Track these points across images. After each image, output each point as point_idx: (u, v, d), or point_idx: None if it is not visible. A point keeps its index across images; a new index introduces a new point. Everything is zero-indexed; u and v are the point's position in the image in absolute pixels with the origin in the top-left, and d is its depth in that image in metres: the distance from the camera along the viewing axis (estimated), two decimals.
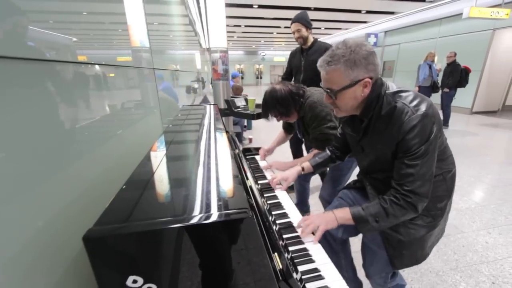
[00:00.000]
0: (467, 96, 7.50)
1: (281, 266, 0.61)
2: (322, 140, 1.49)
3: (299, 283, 0.72)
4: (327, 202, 1.65)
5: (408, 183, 0.88)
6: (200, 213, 0.43)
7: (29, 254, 0.39)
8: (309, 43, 2.24)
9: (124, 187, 0.53)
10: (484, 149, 4.29)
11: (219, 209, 0.44)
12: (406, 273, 1.66)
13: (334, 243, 1.26)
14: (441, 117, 5.73)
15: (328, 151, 1.37)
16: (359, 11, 9.30)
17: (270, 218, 1.04)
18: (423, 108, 0.85)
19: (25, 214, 0.39)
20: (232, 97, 3.06)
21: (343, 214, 0.99)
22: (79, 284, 0.52)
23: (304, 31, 2.16)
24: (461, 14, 5.98)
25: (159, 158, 0.74)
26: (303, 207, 2.13)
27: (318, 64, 0.93)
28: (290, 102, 1.47)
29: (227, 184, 0.56)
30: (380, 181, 1.05)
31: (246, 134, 4.99)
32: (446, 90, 5.63)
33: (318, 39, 2.26)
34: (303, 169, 1.39)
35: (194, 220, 0.40)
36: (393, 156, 0.93)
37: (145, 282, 0.40)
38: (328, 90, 0.93)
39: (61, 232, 0.48)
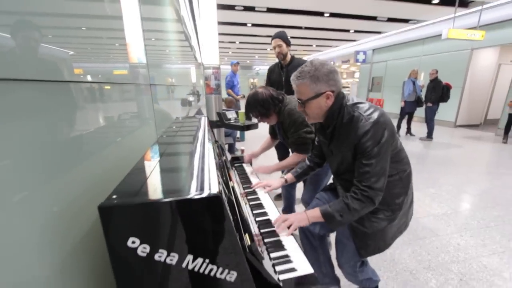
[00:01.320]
0: (451, 110, 7.87)
1: (249, 243, 0.74)
2: (300, 144, 1.66)
3: (270, 261, 0.86)
4: (308, 204, 1.79)
5: (365, 179, 1.05)
6: (185, 192, 0.58)
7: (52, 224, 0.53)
8: (288, 59, 2.44)
9: (126, 176, 0.67)
10: (466, 160, 4.52)
11: (196, 189, 0.59)
12: (382, 272, 1.79)
13: (313, 239, 1.40)
14: (426, 129, 6.06)
15: (307, 161, 1.54)
16: (347, 31, 9.81)
17: (249, 211, 1.18)
18: (375, 116, 1.04)
19: (47, 200, 0.52)
20: (223, 110, 3.23)
21: (313, 213, 1.15)
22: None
23: (284, 47, 2.37)
24: (441, 35, 6.41)
25: (154, 156, 0.89)
26: (289, 212, 2.26)
27: (291, 78, 1.13)
28: (270, 105, 1.66)
29: (204, 174, 0.71)
30: (348, 182, 1.21)
31: (239, 145, 5.14)
32: (429, 104, 5.94)
33: (295, 56, 2.47)
34: (286, 181, 1.56)
35: (171, 198, 0.55)
36: (353, 157, 1.10)
37: (141, 243, 0.54)
38: (299, 100, 1.13)
39: (77, 213, 0.61)
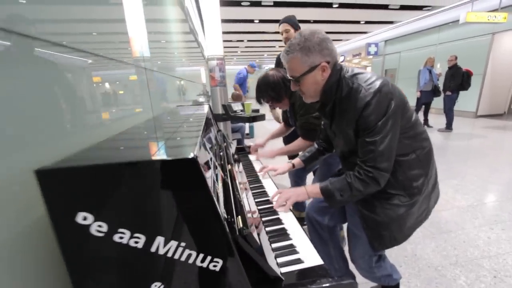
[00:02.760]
0: (471, 99, 7.43)
1: (241, 225, 0.62)
2: (307, 129, 1.52)
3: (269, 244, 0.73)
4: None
5: (369, 159, 0.92)
6: (153, 155, 0.46)
7: None
8: None
9: (95, 144, 0.56)
10: (490, 151, 4.21)
11: (169, 153, 0.47)
12: (403, 268, 1.62)
13: (321, 231, 1.26)
14: (445, 120, 5.72)
15: (316, 145, 1.40)
16: (358, 22, 9.49)
17: (252, 201, 1.06)
18: (376, 85, 0.88)
19: None
20: (229, 102, 3.13)
21: (313, 189, 1.06)
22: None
23: (292, 32, 2.22)
24: (458, 20, 6.05)
25: (135, 128, 0.78)
26: (299, 206, 2.12)
27: (280, 55, 1.01)
28: (282, 88, 1.52)
29: (186, 140, 0.59)
30: (355, 165, 1.07)
31: (248, 142, 5.03)
32: (448, 93, 5.60)
33: None
34: (293, 165, 1.44)
35: (134, 160, 0.43)
36: (356, 136, 0.96)
37: (96, 220, 0.42)
38: (292, 78, 1.01)
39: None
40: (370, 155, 0.91)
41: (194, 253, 0.47)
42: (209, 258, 0.48)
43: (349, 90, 0.94)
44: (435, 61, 6.18)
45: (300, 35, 0.95)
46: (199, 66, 6.14)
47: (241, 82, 5.59)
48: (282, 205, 1.06)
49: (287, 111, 1.81)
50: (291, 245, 0.82)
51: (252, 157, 1.82)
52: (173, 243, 0.45)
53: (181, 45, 2.50)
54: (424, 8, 8.03)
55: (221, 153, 1.11)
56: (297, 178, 2.08)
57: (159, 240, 0.45)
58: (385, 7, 7.78)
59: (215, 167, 0.69)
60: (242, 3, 7.94)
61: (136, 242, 0.44)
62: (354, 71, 0.98)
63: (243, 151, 2.00)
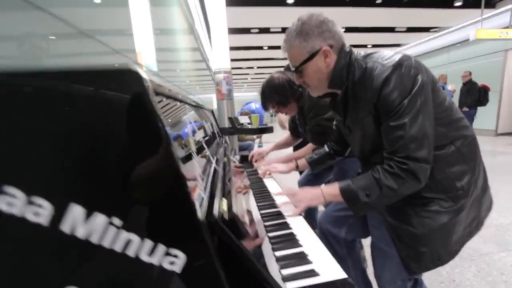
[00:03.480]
0: (490, 117, 7.10)
1: (225, 209, 0.43)
2: (318, 133, 1.34)
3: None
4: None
5: (400, 148, 0.71)
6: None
7: None
8: None
9: None
10: None
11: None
12: None
13: (337, 246, 1.03)
14: None
15: (326, 148, 1.21)
16: (365, 46, 9.60)
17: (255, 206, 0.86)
18: (396, 58, 0.71)
19: None
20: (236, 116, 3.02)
21: (331, 190, 0.84)
22: None
23: None
24: (468, 39, 5.97)
25: None
26: (312, 221, 1.86)
27: (281, 47, 0.88)
28: (287, 91, 1.38)
29: None
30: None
31: None
32: (465, 109, 5.36)
33: None
34: (297, 166, 1.28)
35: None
36: (377, 123, 0.77)
37: None
38: (293, 69, 0.85)
39: None
40: (399, 142, 0.71)
41: (136, 239, 0.28)
42: (162, 249, 0.29)
43: (362, 72, 0.77)
44: (447, 80, 6.03)
45: (298, 20, 0.81)
46: (212, 93, 6.16)
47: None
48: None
49: (295, 118, 1.65)
50: (302, 253, 0.61)
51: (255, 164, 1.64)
52: (99, 218, 0.27)
53: (194, 73, 2.50)
54: (431, 30, 8.06)
55: (218, 146, 0.94)
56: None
57: (76, 211, 0.27)
58: (391, 30, 7.87)
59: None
60: (251, 30, 8.22)
61: (37, 214, 0.26)
62: (368, 52, 0.82)
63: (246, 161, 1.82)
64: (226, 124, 2.93)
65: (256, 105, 5.04)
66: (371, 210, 0.87)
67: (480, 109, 5.47)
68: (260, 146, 5.72)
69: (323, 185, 0.89)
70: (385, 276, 0.89)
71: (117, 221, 0.28)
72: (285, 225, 0.76)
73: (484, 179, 0.86)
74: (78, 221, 0.27)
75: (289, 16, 6.90)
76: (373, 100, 0.73)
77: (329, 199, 0.84)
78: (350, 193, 0.78)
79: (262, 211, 0.87)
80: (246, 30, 8.22)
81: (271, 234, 0.70)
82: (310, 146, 1.46)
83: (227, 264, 0.31)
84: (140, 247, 0.28)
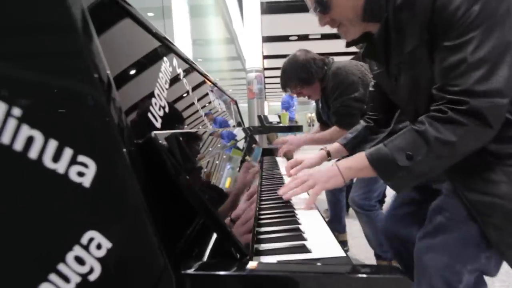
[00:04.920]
0: None
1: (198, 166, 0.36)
2: (344, 114, 1.20)
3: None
4: (360, 207, 1.26)
5: (458, 78, 0.47)
6: None
7: None
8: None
9: None
10: None
11: None
12: None
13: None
14: None
15: (363, 122, 0.94)
16: None
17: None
18: None
19: None
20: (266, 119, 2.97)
21: (352, 162, 0.62)
22: None
23: None
24: None
25: None
26: (337, 225, 1.68)
27: None
28: (313, 68, 1.26)
29: None
30: None
31: None
32: None
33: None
34: (328, 154, 0.96)
35: None
36: (431, 52, 0.52)
37: None
38: (316, 5, 0.63)
39: None
40: (459, 68, 0.47)
41: (40, 137, 0.23)
42: (68, 152, 0.23)
43: None
44: None
45: None
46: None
47: (287, 106, 5.46)
48: (295, 193, 0.66)
49: (319, 105, 1.52)
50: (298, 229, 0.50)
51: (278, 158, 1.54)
52: None
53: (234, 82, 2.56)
54: None
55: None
56: (336, 189, 1.68)
57: None
58: None
59: None
60: (290, 38, 8.22)
61: None
62: None
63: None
64: (256, 123, 2.90)
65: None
66: (417, 182, 0.56)
67: None
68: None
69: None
70: (453, 255, 0.57)
71: (17, 111, 0.23)
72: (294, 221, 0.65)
73: None
74: None
75: None
76: (426, 17, 0.50)
77: (350, 176, 0.63)
78: (384, 158, 0.55)
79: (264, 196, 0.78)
80: (285, 38, 8.25)
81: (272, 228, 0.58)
82: (333, 129, 1.29)
83: (158, 193, 0.24)
84: (43, 148, 0.23)
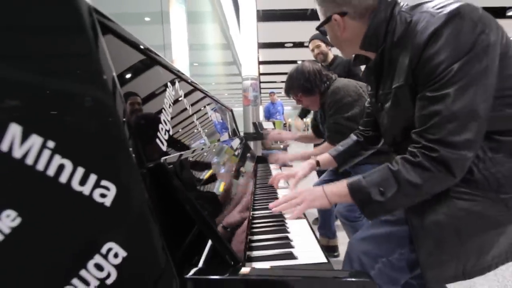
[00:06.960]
0: None
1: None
2: (334, 132, 1.27)
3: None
4: (346, 219, 1.31)
5: (433, 127, 0.53)
6: None
7: None
8: (329, 60, 2.15)
9: None
10: None
11: None
12: None
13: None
14: None
15: (353, 136, 0.98)
16: None
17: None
18: (453, 6, 0.52)
19: None
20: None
21: (337, 188, 0.67)
22: None
23: (323, 47, 2.11)
24: None
25: None
26: (326, 231, 1.73)
27: None
28: (317, 79, 1.33)
29: None
30: None
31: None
32: None
33: (338, 55, 2.16)
34: (318, 163, 1.03)
35: None
36: (414, 98, 0.59)
37: None
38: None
39: None
40: (434, 119, 0.52)
41: (69, 165, 0.28)
42: (93, 178, 0.28)
43: (405, 28, 0.59)
44: None
45: None
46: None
47: (268, 115, 5.62)
48: (283, 208, 0.72)
49: (317, 116, 1.60)
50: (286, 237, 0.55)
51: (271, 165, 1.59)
52: (34, 140, 0.27)
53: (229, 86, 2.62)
54: None
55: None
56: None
57: (14, 130, 0.27)
58: None
59: None
60: (286, 44, 8.36)
61: None
62: (421, 1, 0.61)
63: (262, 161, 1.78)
64: (251, 129, 2.96)
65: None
66: (387, 214, 0.66)
67: None
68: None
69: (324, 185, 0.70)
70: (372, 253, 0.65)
71: (51, 144, 0.28)
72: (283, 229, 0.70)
73: None
74: (15, 141, 0.27)
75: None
76: (413, 63, 0.54)
77: (334, 200, 0.68)
78: (361, 190, 0.60)
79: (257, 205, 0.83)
80: (280, 45, 8.38)
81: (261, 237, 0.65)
82: (325, 144, 1.38)
83: (164, 209, 0.29)
84: (72, 174, 0.28)
